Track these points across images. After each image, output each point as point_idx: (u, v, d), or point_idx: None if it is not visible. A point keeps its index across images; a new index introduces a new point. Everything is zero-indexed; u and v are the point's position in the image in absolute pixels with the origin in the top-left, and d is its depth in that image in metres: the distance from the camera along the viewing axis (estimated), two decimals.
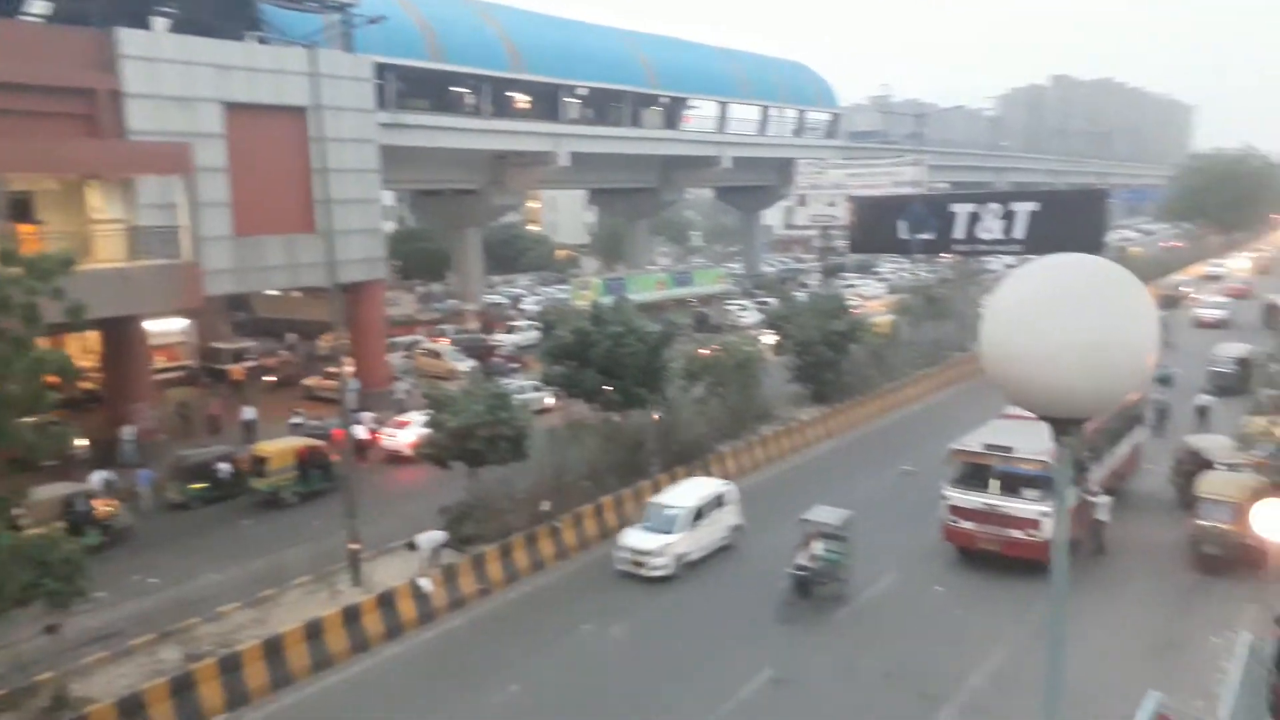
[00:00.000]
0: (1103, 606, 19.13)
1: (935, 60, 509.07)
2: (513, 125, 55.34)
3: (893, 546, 23.18)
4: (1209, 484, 22.23)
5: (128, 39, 29.83)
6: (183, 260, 28.77)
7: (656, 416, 28.51)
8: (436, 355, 43.33)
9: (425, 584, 20.23)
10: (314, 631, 18.28)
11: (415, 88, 50.03)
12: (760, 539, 23.56)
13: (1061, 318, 4.17)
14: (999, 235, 53.14)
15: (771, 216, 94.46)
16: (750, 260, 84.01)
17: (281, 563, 22.05)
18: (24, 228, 26.27)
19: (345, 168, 34.45)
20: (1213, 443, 25.92)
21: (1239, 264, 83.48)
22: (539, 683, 17.55)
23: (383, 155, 38.54)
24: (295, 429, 31.79)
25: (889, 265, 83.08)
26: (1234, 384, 36.79)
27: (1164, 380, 34.27)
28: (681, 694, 16.98)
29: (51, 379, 16.20)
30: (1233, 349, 39.52)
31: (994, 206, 53.72)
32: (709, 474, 28.11)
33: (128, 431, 29.76)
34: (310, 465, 27.73)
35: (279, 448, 27.74)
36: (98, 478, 25.84)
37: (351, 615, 18.95)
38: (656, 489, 25.46)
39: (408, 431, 30.71)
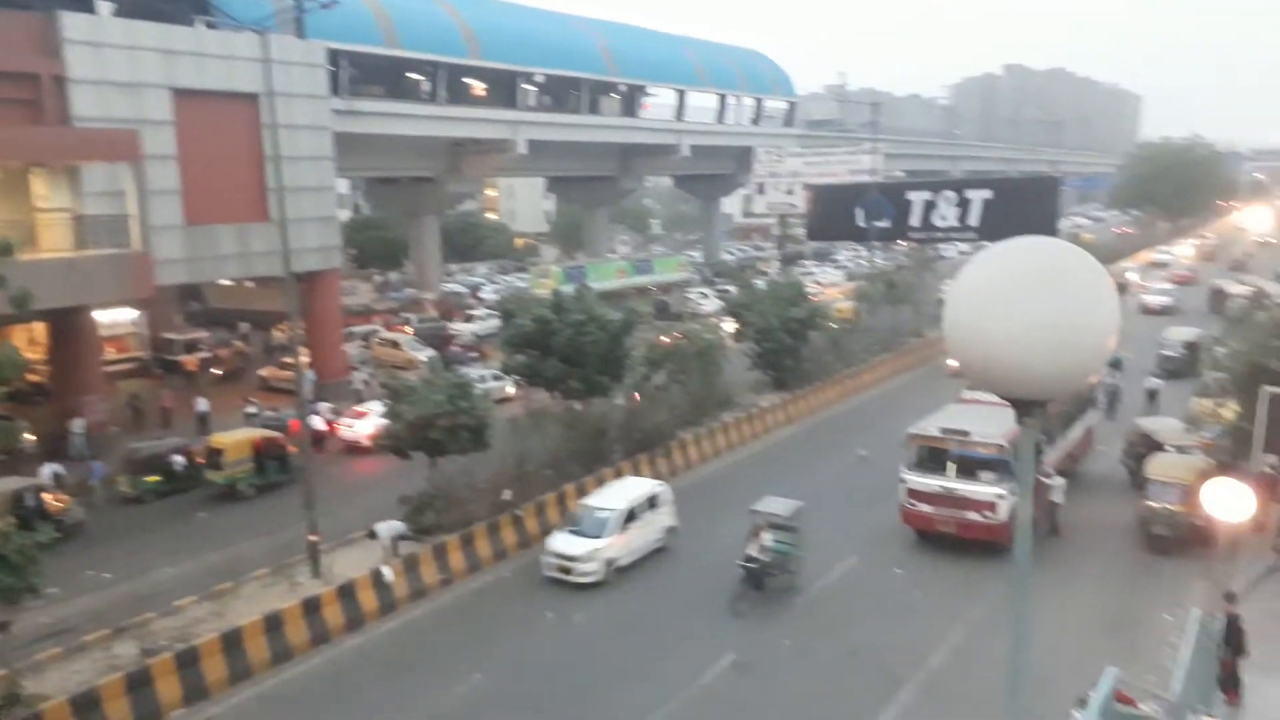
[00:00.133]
0: (1058, 586, 19.47)
1: (890, 50, 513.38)
2: (470, 112, 54.81)
3: (852, 530, 23.44)
4: (1158, 466, 22.72)
5: (72, 23, 29.12)
6: (132, 250, 28.17)
7: (636, 397, 28.61)
8: (395, 345, 42.90)
9: (387, 572, 20.05)
10: (273, 624, 18.03)
11: (370, 74, 49.39)
12: (720, 528, 23.33)
13: (1025, 300, 4.20)
14: (954, 222, 53.92)
15: (730, 204, 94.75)
16: (710, 248, 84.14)
17: (239, 555, 21.80)
18: None
19: (299, 155, 33.86)
20: (1163, 425, 26.55)
21: (1184, 251, 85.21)
22: (502, 671, 17.52)
23: (337, 142, 38.10)
24: (250, 420, 31.41)
25: (846, 252, 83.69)
26: (1182, 367, 37.61)
27: (1114, 364, 34.93)
28: (644, 680, 17.03)
29: None
30: (1181, 333, 40.30)
31: (949, 194, 54.48)
32: (670, 461, 28.22)
33: (78, 424, 29.14)
34: (267, 457, 27.32)
35: (234, 439, 27.30)
36: (47, 471, 25.31)
37: (311, 607, 18.74)
38: (619, 476, 25.42)
39: (366, 422, 30.39)
